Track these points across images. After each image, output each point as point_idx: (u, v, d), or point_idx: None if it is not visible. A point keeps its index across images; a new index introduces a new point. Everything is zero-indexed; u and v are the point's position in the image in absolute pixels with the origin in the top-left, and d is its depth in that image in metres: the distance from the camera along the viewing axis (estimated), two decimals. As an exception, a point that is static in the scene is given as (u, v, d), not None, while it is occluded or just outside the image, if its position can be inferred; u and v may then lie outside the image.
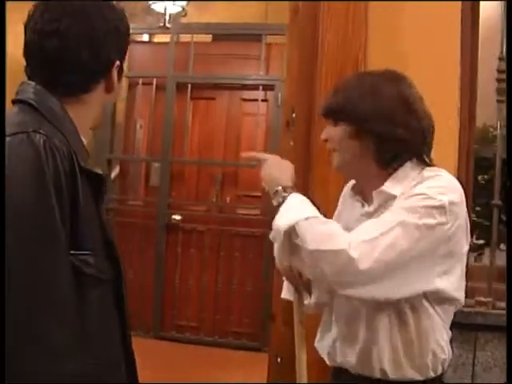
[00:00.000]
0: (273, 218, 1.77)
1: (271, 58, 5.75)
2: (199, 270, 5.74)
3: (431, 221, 1.67)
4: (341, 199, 2.12)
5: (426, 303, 1.75)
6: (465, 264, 1.79)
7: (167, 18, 4.87)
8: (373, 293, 1.68)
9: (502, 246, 3.29)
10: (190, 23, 5.68)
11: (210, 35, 6.10)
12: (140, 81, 5.85)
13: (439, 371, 1.82)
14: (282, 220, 1.72)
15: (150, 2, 4.63)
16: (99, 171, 1.41)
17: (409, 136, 1.80)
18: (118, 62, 1.43)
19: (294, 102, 2.75)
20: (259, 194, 5.73)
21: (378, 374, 1.79)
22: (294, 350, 2.58)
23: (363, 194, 1.94)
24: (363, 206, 1.92)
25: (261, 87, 5.69)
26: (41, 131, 1.26)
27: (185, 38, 5.83)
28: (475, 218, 3.16)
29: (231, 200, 5.86)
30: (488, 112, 3.13)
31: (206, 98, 5.95)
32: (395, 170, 1.83)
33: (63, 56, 1.37)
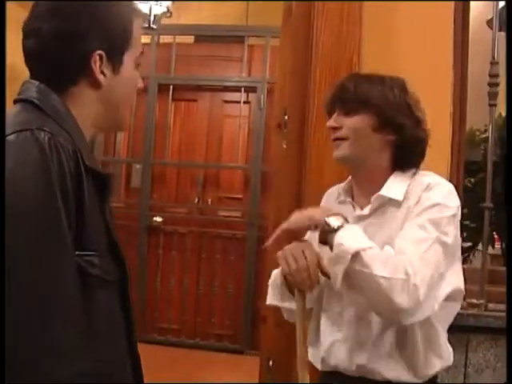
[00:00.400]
0: (324, 239, 1.76)
1: (253, 59, 5.77)
2: (180, 272, 5.73)
3: (453, 230, 1.74)
4: (322, 205, 2.12)
5: None
6: None
7: (152, 18, 4.84)
8: (424, 315, 1.71)
9: (490, 250, 3.33)
10: (173, 24, 5.65)
11: (192, 36, 6.07)
12: (121, 81, 5.80)
13: (436, 373, 1.85)
14: (348, 243, 1.68)
15: (136, 2, 4.57)
16: (104, 171, 1.40)
17: (425, 138, 1.87)
18: (98, 52, 1.35)
19: (286, 103, 2.74)
20: (240, 196, 5.75)
21: (380, 377, 1.80)
22: (285, 352, 2.59)
23: (355, 194, 1.94)
24: (355, 208, 1.92)
25: (243, 89, 5.70)
26: (45, 129, 1.23)
27: (167, 38, 5.80)
28: (462, 221, 3.17)
29: (213, 202, 5.86)
30: (474, 115, 3.15)
31: (188, 99, 5.95)
32: (401, 170, 1.85)
33: (38, 53, 1.36)
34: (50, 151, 1.20)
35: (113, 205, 1.46)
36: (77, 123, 1.36)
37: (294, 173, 2.68)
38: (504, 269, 2.48)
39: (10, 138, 1.21)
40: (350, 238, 1.71)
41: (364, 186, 1.91)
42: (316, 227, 1.77)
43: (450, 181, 2.65)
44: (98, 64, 1.36)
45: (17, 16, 5.31)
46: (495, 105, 2.75)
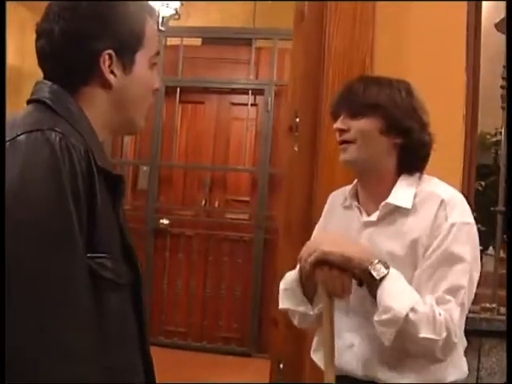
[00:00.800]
0: (370, 287, 1.76)
1: (261, 62, 5.74)
2: (187, 274, 5.72)
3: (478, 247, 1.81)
4: (327, 209, 2.11)
5: None
6: None
7: (160, 20, 4.84)
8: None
9: (501, 253, 3.31)
10: (180, 26, 5.65)
11: (200, 39, 6.07)
12: (129, 84, 5.80)
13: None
14: (398, 305, 1.68)
15: (149, 2, 4.58)
16: (117, 172, 1.39)
17: (430, 142, 1.87)
18: (108, 51, 1.35)
19: (298, 106, 2.73)
20: (248, 198, 5.74)
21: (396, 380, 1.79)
22: (296, 355, 2.58)
23: (361, 199, 1.94)
24: (361, 213, 1.91)
25: (250, 91, 5.67)
26: (56, 129, 1.22)
27: (174, 41, 5.80)
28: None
29: (219, 204, 5.84)
30: (485, 119, 3.15)
31: (195, 101, 5.93)
32: (408, 174, 1.85)
33: (49, 54, 1.36)
34: (61, 152, 1.19)
35: (120, 207, 1.45)
36: (89, 124, 1.35)
37: (306, 176, 2.68)
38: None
39: (21, 138, 1.20)
40: (397, 295, 1.70)
41: (370, 189, 1.91)
42: (353, 268, 1.76)
43: (462, 184, 2.68)
44: (107, 64, 1.36)
45: (21, 17, 5.31)
46: (509, 108, 2.75)
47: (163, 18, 4.96)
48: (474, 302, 2.51)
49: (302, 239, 1.94)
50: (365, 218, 1.89)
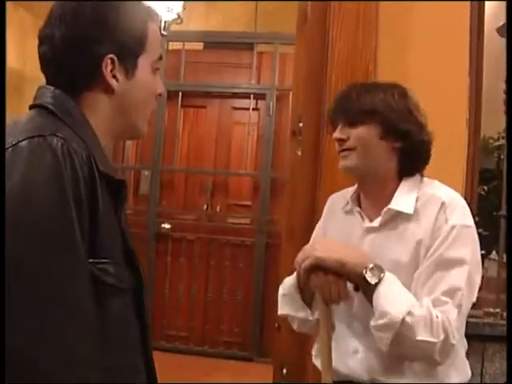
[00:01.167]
0: (365, 292, 1.76)
1: (262, 66, 5.75)
2: (189, 279, 5.71)
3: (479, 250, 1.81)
4: (326, 212, 2.11)
5: None
6: None
7: (162, 25, 4.85)
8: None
9: (505, 258, 3.31)
10: (182, 31, 5.65)
11: (202, 43, 6.07)
12: (130, 88, 5.80)
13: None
14: (394, 310, 1.67)
15: (151, 6, 4.60)
16: (119, 177, 1.39)
17: (429, 141, 1.88)
18: (110, 56, 1.35)
19: (301, 111, 2.73)
20: (249, 203, 5.74)
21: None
22: (298, 360, 2.58)
23: (363, 204, 1.94)
24: (363, 219, 1.91)
25: (252, 96, 5.67)
26: (58, 135, 1.22)
27: (176, 45, 5.80)
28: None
29: (221, 209, 5.84)
30: (488, 123, 3.15)
31: (197, 106, 5.93)
32: (409, 176, 1.85)
33: (51, 59, 1.36)
34: (62, 157, 1.19)
35: (122, 212, 1.45)
36: (92, 129, 1.35)
37: (309, 180, 2.67)
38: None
39: (23, 143, 1.20)
40: (393, 299, 1.70)
41: (372, 195, 1.91)
42: (348, 274, 1.76)
43: (465, 188, 2.67)
44: (109, 68, 1.36)
45: (22, 21, 5.31)
46: (512, 112, 2.75)
47: (165, 22, 4.97)
48: (477, 307, 2.52)
49: (305, 243, 1.94)
50: (367, 224, 1.89)
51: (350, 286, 1.80)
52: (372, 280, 1.71)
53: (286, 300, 2.00)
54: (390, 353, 1.74)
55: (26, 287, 1.13)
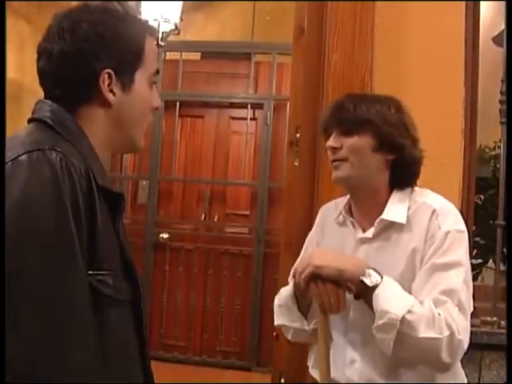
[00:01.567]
0: (365, 298, 1.76)
1: (260, 76, 5.76)
2: (187, 288, 5.70)
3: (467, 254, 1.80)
4: (318, 222, 2.12)
5: None
6: None
7: (160, 35, 4.87)
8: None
9: (501, 267, 3.33)
10: (179, 41, 5.67)
11: (199, 53, 6.09)
12: (128, 98, 5.81)
13: None
14: (394, 308, 1.67)
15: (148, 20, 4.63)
16: (117, 189, 1.40)
17: (421, 158, 1.87)
18: (107, 70, 1.37)
19: (298, 121, 2.75)
20: (247, 212, 5.74)
21: None
22: (297, 369, 2.58)
23: (355, 215, 1.94)
24: (356, 230, 1.92)
25: (249, 106, 5.68)
26: (57, 149, 1.24)
27: (173, 55, 5.82)
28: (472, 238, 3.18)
29: (219, 218, 5.83)
30: (483, 132, 3.17)
31: (195, 115, 5.93)
32: (400, 189, 1.86)
33: (49, 73, 1.38)
34: (61, 171, 1.21)
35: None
36: (89, 142, 1.37)
37: (306, 190, 2.69)
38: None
39: (22, 158, 1.22)
40: (392, 299, 1.70)
41: (364, 206, 1.91)
42: (347, 281, 1.76)
43: (462, 197, 2.69)
44: (106, 82, 1.38)
45: (21, 32, 5.31)
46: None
47: (163, 33, 4.98)
48: (474, 316, 2.52)
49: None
50: (360, 235, 1.90)
51: (348, 295, 1.81)
52: (370, 282, 1.71)
53: (282, 310, 2.00)
54: (395, 357, 1.73)
55: (25, 298, 1.15)
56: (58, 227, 1.19)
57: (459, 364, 1.87)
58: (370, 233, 1.87)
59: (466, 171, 2.78)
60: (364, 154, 1.83)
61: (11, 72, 5.45)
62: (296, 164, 2.74)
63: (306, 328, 1.94)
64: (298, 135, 2.74)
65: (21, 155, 1.22)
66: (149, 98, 1.47)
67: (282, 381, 2.76)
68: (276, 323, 2.04)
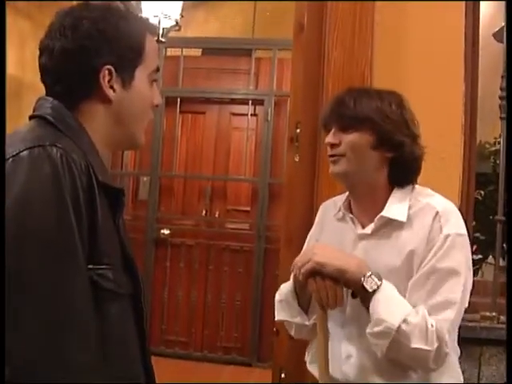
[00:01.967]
0: (362, 299, 1.77)
1: (260, 72, 5.76)
2: (188, 284, 5.72)
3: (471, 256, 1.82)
4: (318, 219, 2.12)
5: None
6: None
7: (161, 32, 4.87)
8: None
9: (501, 262, 3.33)
10: (180, 37, 5.68)
11: (200, 49, 6.09)
12: (129, 94, 5.81)
13: None
14: (390, 318, 1.69)
15: (149, 18, 4.64)
16: (117, 185, 1.41)
17: (421, 154, 1.86)
18: (107, 67, 1.38)
19: (298, 117, 2.75)
20: (248, 208, 5.75)
21: None
22: (297, 364, 2.59)
23: (354, 211, 1.94)
24: (355, 226, 1.92)
25: (250, 102, 5.68)
26: (58, 145, 1.25)
27: (174, 51, 5.83)
28: (472, 233, 3.19)
29: (220, 214, 5.85)
30: (483, 128, 3.17)
31: (196, 112, 5.94)
32: (400, 187, 1.86)
33: (50, 70, 1.39)
34: (62, 167, 1.22)
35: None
36: (90, 139, 1.38)
37: (307, 186, 2.69)
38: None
39: (23, 154, 1.23)
40: (390, 306, 1.71)
41: (363, 203, 1.91)
42: (347, 281, 1.77)
43: (461, 193, 2.69)
44: (106, 78, 1.39)
45: (21, 29, 5.32)
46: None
47: (164, 29, 4.99)
48: (473, 311, 2.54)
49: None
50: (359, 231, 1.90)
51: (346, 291, 1.82)
52: (370, 288, 1.72)
53: (283, 306, 2.01)
54: (386, 358, 1.76)
55: (26, 294, 1.16)
56: (59, 223, 1.20)
57: (456, 360, 1.88)
58: (369, 229, 1.87)
59: (466, 167, 2.78)
60: (362, 151, 1.83)
61: (12, 69, 5.47)
62: (296, 160, 2.75)
63: (307, 323, 1.94)
64: (298, 131, 2.74)
65: (22, 151, 1.23)
66: (149, 95, 1.48)
67: (283, 376, 2.77)
68: (277, 318, 2.05)
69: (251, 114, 5.71)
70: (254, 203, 5.69)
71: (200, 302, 5.70)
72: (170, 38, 5.44)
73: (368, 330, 1.73)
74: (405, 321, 1.67)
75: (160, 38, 4.80)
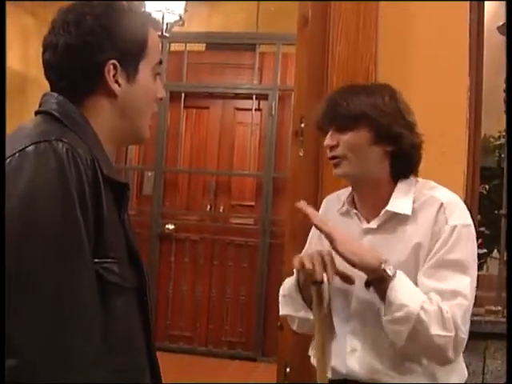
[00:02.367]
0: (378, 287, 1.75)
1: (264, 67, 5.76)
2: (193, 279, 5.73)
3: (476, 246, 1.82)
4: (322, 214, 2.06)
5: None
6: None
7: (164, 27, 4.87)
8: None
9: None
10: (184, 32, 5.68)
11: (204, 44, 6.10)
12: (133, 89, 5.81)
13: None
14: (412, 303, 1.68)
15: (152, 12, 4.63)
16: (122, 179, 1.42)
17: (420, 142, 1.87)
18: (112, 61, 1.38)
19: (303, 112, 2.75)
20: (252, 203, 5.75)
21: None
22: (302, 359, 2.59)
23: (358, 206, 1.94)
24: (360, 221, 1.92)
25: (254, 96, 5.69)
26: (64, 140, 1.25)
27: (178, 46, 5.83)
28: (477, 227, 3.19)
29: (225, 209, 5.85)
30: (488, 122, 3.16)
31: (200, 106, 5.95)
32: (403, 179, 1.86)
33: (54, 66, 1.39)
34: (68, 162, 1.22)
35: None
36: (95, 134, 1.38)
37: (311, 180, 2.69)
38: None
39: (29, 149, 1.23)
40: (408, 292, 1.70)
41: (367, 198, 1.91)
42: (365, 267, 1.74)
43: (466, 188, 2.69)
44: (111, 73, 1.39)
45: (24, 24, 5.34)
46: (512, 111, 2.76)
47: (167, 24, 4.98)
48: (478, 305, 2.53)
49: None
50: (365, 225, 1.89)
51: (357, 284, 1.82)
52: (391, 273, 1.70)
53: (286, 300, 2.01)
54: (394, 352, 1.75)
55: (31, 288, 1.16)
56: (65, 217, 1.20)
57: (460, 355, 1.88)
58: (374, 223, 1.87)
59: (471, 161, 2.78)
60: (362, 149, 1.82)
61: (16, 64, 5.48)
62: (301, 154, 2.75)
63: (311, 317, 1.94)
64: (302, 125, 2.74)
65: (28, 146, 1.23)
66: (153, 89, 1.49)
67: (288, 370, 2.77)
68: (281, 313, 2.05)
69: (255, 109, 5.72)
70: (259, 198, 5.69)
71: (204, 296, 5.71)
72: (174, 33, 5.45)
73: (387, 318, 1.71)
74: (422, 307, 1.67)
75: (164, 33, 4.80)
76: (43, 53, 1.42)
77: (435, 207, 1.79)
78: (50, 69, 1.41)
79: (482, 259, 3.36)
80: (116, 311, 1.31)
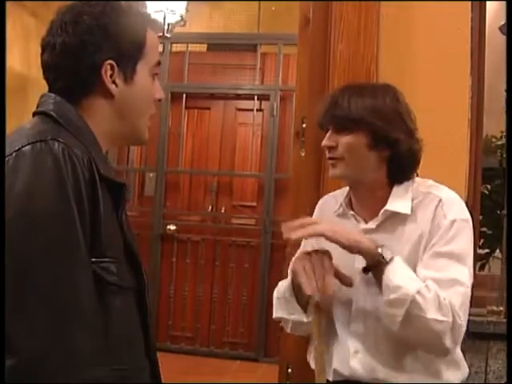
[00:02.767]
0: (375, 272, 1.75)
1: (266, 67, 5.76)
2: (194, 280, 5.73)
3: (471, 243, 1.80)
4: (318, 215, 2.09)
5: None
6: None
7: (166, 27, 4.87)
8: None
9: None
10: (185, 33, 5.68)
11: (205, 45, 6.10)
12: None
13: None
14: (407, 284, 1.68)
15: (150, 13, 4.64)
16: (120, 179, 1.42)
17: (419, 148, 1.86)
18: (109, 62, 1.38)
19: (304, 112, 2.75)
20: (254, 203, 5.75)
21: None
22: (304, 359, 2.59)
23: (355, 208, 1.93)
24: (358, 222, 1.91)
25: (256, 97, 5.69)
26: (60, 139, 1.25)
27: (179, 47, 5.83)
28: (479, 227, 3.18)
29: (226, 210, 5.85)
30: (490, 122, 3.16)
31: (201, 107, 5.94)
32: (400, 183, 1.86)
33: (52, 66, 1.40)
34: (64, 162, 1.22)
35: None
36: (92, 133, 1.39)
37: (312, 180, 2.68)
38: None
39: (26, 148, 1.24)
40: (405, 276, 1.70)
41: (364, 199, 1.90)
42: (363, 251, 1.74)
43: (468, 187, 2.69)
44: (108, 73, 1.39)
45: (25, 25, 5.35)
46: (512, 111, 2.76)
47: (169, 24, 4.98)
48: (481, 305, 2.53)
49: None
50: (363, 226, 1.89)
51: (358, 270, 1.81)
52: (387, 257, 1.71)
53: (281, 303, 2.00)
54: (400, 336, 1.74)
55: (29, 288, 1.16)
56: (61, 215, 1.21)
57: (460, 352, 1.88)
58: (373, 223, 1.86)
59: (473, 161, 2.77)
60: (359, 153, 1.81)
61: (17, 65, 5.48)
62: (302, 154, 2.74)
63: (305, 320, 1.92)
64: (304, 126, 2.74)
65: (24, 146, 1.24)
66: (151, 90, 1.48)
67: (290, 371, 2.77)
68: (274, 316, 2.04)
69: (257, 109, 5.71)
70: (260, 198, 5.69)
71: (206, 297, 5.70)
72: (175, 34, 5.45)
73: (383, 299, 1.71)
74: (419, 292, 1.66)
75: (165, 34, 4.80)
76: (42, 53, 1.42)
77: (434, 204, 1.80)
78: (48, 69, 1.42)
79: (484, 259, 3.35)
80: (114, 311, 1.31)
